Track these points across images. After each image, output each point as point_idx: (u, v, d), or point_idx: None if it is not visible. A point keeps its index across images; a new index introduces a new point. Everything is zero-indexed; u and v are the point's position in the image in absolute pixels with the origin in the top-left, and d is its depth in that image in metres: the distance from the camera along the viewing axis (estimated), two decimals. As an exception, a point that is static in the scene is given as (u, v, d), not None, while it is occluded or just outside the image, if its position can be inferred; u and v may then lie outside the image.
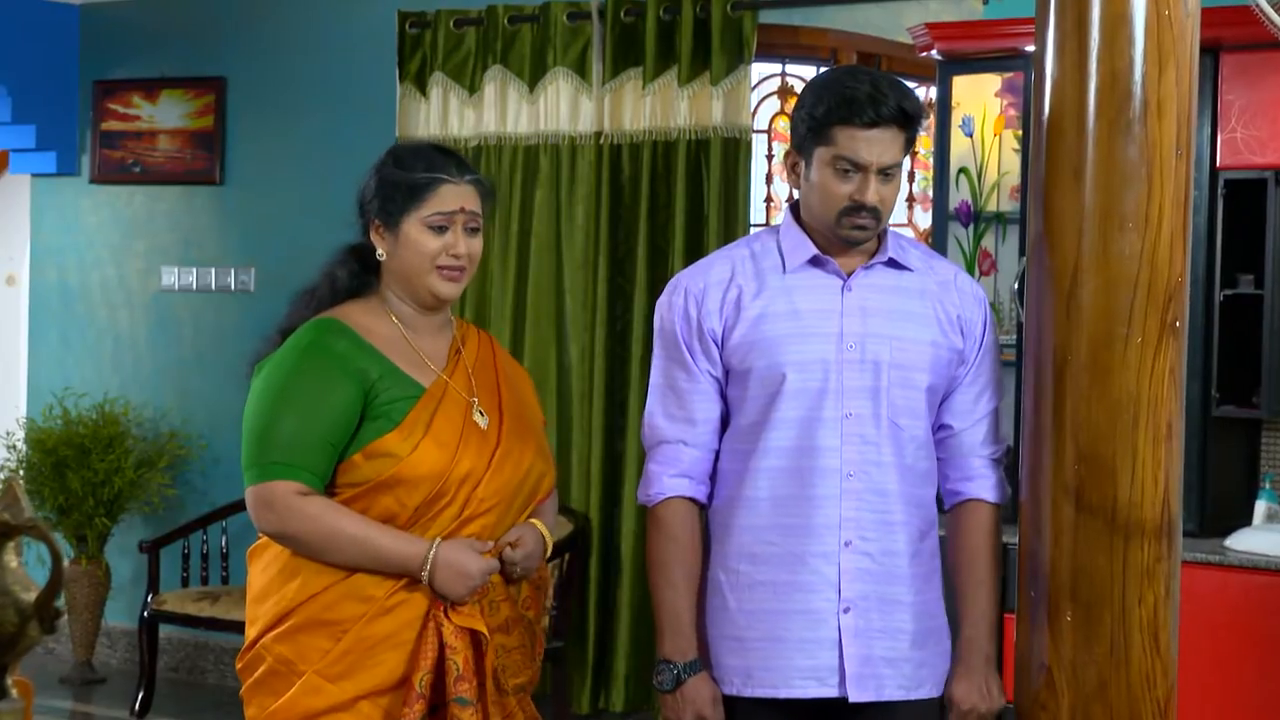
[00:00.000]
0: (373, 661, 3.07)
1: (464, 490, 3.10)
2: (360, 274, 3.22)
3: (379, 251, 3.18)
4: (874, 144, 3.00)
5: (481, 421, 3.17)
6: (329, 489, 3.10)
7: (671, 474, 3.16)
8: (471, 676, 3.05)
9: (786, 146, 3.17)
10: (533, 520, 3.23)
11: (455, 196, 3.16)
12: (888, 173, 3.03)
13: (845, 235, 3.06)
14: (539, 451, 3.25)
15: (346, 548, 3.05)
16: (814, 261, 3.11)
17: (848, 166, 3.02)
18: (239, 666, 3.19)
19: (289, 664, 3.08)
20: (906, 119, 3.03)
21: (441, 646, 3.05)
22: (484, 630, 3.07)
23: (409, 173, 3.15)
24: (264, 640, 3.11)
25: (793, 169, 3.13)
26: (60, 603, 7.25)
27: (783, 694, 3.08)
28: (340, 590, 3.07)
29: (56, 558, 2.16)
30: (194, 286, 7.24)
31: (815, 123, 3.04)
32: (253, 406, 3.13)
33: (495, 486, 3.14)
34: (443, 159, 3.19)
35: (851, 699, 3.06)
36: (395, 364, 3.14)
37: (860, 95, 3.00)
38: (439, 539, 3.07)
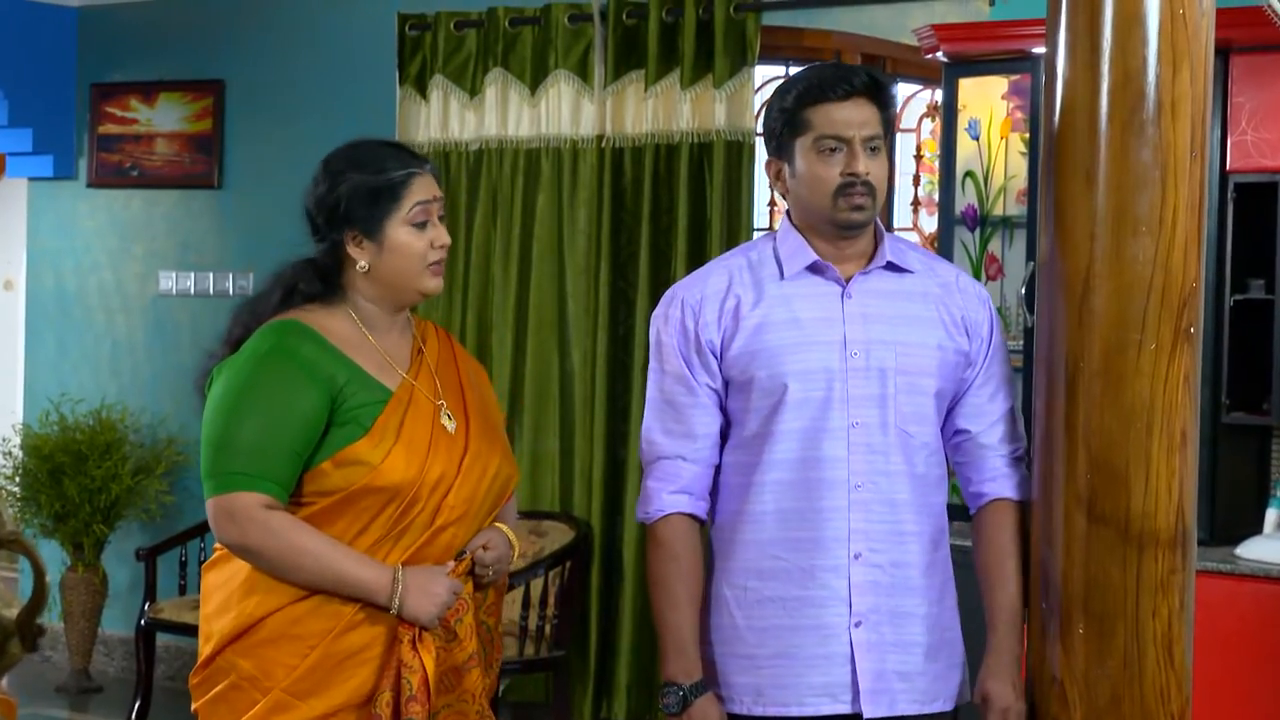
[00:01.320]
0: (341, 677, 2.99)
1: (435, 497, 3.03)
2: (322, 290, 3.09)
3: (360, 264, 3.06)
4: (851, 116, 2.97)
5: (449, 426, 3.09)
6: (296, 498, 3.01)
7: (670, 490, 3.08)
8: (425, 700, 2.97)
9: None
10: (498, 524, 3.17)
11: (426, 185, 3.08)
12: (872, 146, 2.99)
13: (844, 219, 3.00)
14: (505, 455, 3.18)
15: (309, 567, 2.96)
16: (812, 268, 3.05)
17: (831, 144, 2.97)
18: (194, 682, 3.08)
19: (253, 679, 3.00)
20: (878, 89, 2.99)
21: (399, 665, 2.98)
22: (431, 670, 2.99)
23: (378, 174, 3.05)
24: (225, 654, 3.02)
25: (777, 176, 3.08)
26: (54, 614, 7.20)
27: (794, 712, 3.02)
28: (308, 605, 2.99)
29: (39, 573, 2.10)
30: (192, 291, 7.21)
31: (788, 115, 3.00)
32: (212, 413, 3.02)
33: (465, 493, 3.06)
34: (397, 152, 3.11)
35: (866, 715, 2.99)
36: (361, 367, 3.04)
37: (826, 75, 3.00)
38: (401, 565, 2.98)
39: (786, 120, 3.01)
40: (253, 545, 2.96)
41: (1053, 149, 2.69)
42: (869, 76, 2.99)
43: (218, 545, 3.10)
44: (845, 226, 3.01)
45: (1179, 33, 2.59)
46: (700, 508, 3.09)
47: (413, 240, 3.05)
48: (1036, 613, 2.75)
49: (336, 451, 2.99)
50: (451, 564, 3.04)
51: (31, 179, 7.60)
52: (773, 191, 6.32)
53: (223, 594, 3.05)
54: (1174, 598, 2.65)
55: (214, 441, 2.99)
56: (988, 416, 3.10)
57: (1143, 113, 2.60)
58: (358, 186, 3.05)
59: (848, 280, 3.04)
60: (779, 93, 3.04)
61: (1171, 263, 2.61)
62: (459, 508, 3.05)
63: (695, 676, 3.05)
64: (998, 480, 3.10)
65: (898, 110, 3.09)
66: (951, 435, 3.11)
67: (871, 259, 3.06)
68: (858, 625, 2.99)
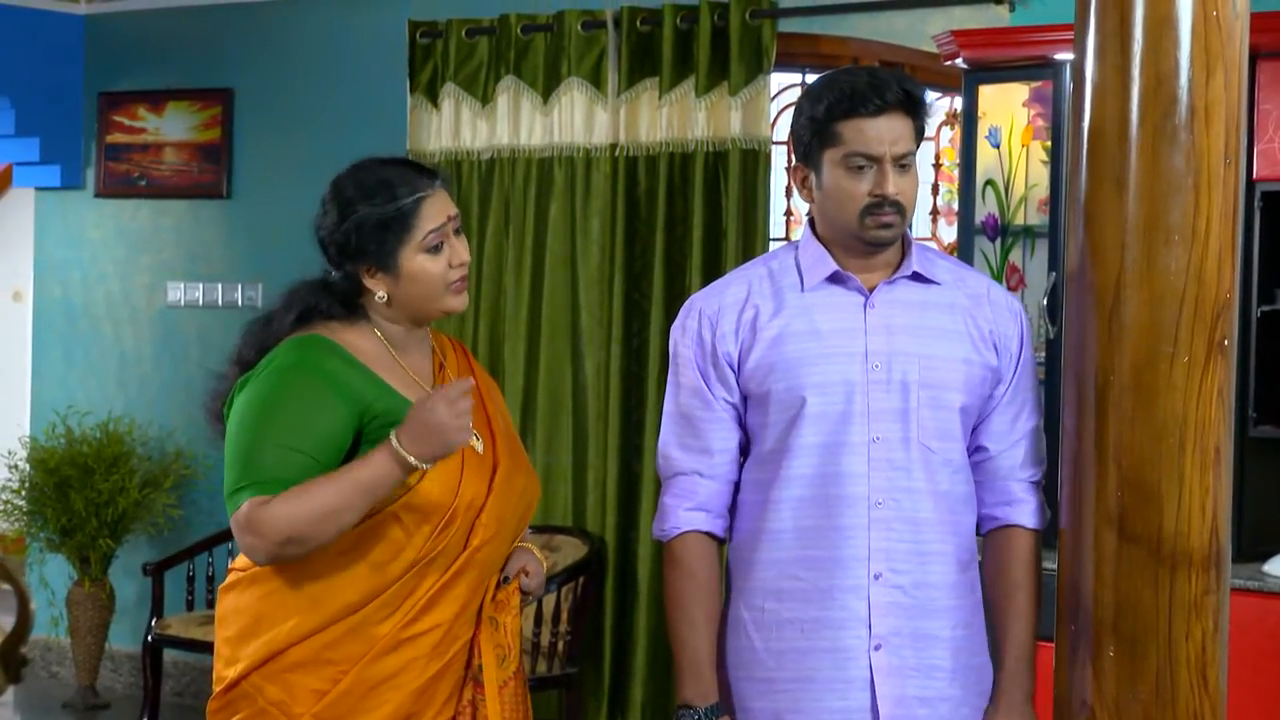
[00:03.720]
0: (374, 703, 2.92)
1: (469, 516, 2.95)
2: (343, 312, 3.01)
3: (379, 295, 2.98)
4: (883, 132, 2.87)
5: (478, 445, 3.01)
6: None
7: (687, 507, 3.00)
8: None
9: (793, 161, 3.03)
10: (525, 544, 3.11)
11: (437, 208, 2.98)
12: (903, 163, 2.89)
13: (871, 236, 2.91)
14: (529, 472, 3.11)
15: (339, 506, 2.83)
16: (834, 278, 2.96)
17: (861, 162, 2.88)
18: (213, 708, 3.00)
19: (280, 705, 2.92)
20: (911, 103, 2.89)
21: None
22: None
23: (386, 204, 2.95)
24: (252, 679, 2.93)
25: (803, 183, 2.98)
26: (61, 629, 7.15)
27: None
28: (341, 629, 2.91)
29: (23, 601, 2.01)
30: (200, 302, 7.15)
31: (818, 125, 2.90)
32: (235, 429, 2.93)
33: (497, 511, 2.99)
34: (404, 172, 3.01)
35: None
36: (388, 383, 2.97)
37: (859, 85, 2.88)
38: (392, 434, 2.84)
39: (816, 130, 2.91)
40: (282, 540, 2.85)
41: (1081, 155, 2.60)
42: (902, 90, 2.88)
43: (233, 566, 3.03)
44: (872, 244, 2.93)
45: (1212, 35, 2.50)
46: (718, 525, 3.01)
47: (430, 265, 2.97)
48: (1065, 635, 2.65)
49: None
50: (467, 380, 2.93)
51: (39, 189, 7.56)
52: (789, 200, 6.29)
53: (248, 618, 2.97)
54: (1208, 619, 2.56)
55: (238, 458, 2.91)
56: (1010, 436, 3.02)
57: (1175, 118, 2.51)
58: (365, 219, 2.95)
59: (871, 290, 2.96)
60: (809, 98, 2.94)
61: (1205, 273, 2.52)
62: (492, 526, 2.98)
63: (711, 699, 2.97)
64: (1013, 506, 3.03)
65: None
66: (971, 453, 3.02)
67: (897, 269, 2.98)
68: (877, 648, 2.91)
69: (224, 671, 2.99)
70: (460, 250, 3.00)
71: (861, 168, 2.88)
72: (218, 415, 3.02)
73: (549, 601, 5.81)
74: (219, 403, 3.02)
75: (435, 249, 2.97)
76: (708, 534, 3.00)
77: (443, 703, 3.00)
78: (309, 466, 2.88)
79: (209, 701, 3.03)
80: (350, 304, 3.02)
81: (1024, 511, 3.02)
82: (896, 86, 2.88)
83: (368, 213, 2.95)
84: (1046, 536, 3.07)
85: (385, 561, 2.92)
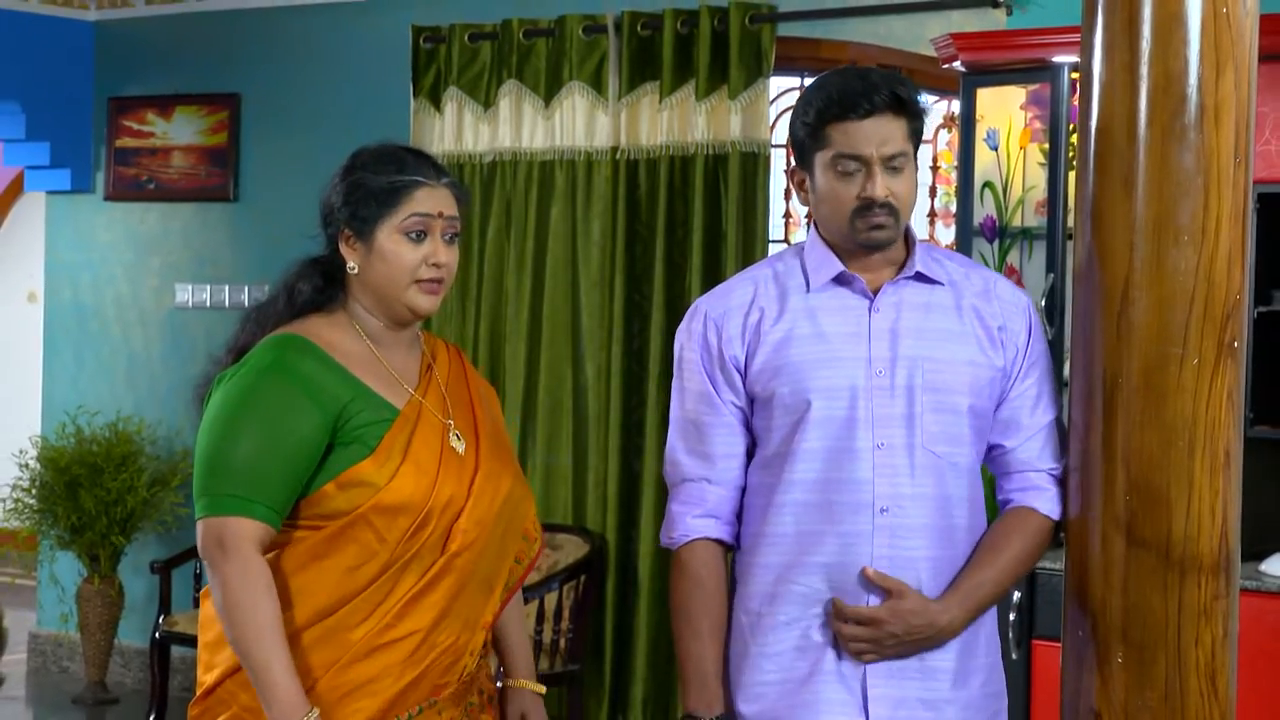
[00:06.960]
0: (348, 710, 2.85)
1: (445, 520, 2.88)
2: (324, 288, 2.97)
3: (349, 264, 2.93)
4: (871, 134, 2.82)
5: (459, 446, 2.94)
6: (295, 523, 2.87)
7: (695, 514, 2.95)
8: None
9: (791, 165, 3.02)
10: (527, 686, 3.14)
11: (433, 200, 2.93)
12: (894, 165, 2.84)
13: (863, 239, 2.87)
14: (517, 476, 3.04)
15: (246, 634, 2.78)
16: (840, 279, 2.92)
17: (850, 165, 2.83)
18: (193, 714, 2.95)
19: (254, 711, 2.84)
20: (902, 104, 2.84)
21: None
22: None
23: (384, 175, 2.93)
24: (226, 685, 2.88)
25: (800, 186, 2.95)
26: (71, 625, 7.16)
27: None
28: (313, 634, 2.85)
29: (-2, 616, 1.98)
30: (208, 304, 7.19)
31: (810, 128, 2.87)
32: (207, 429, 2.87)
33: (476, 516, 2.91)
34: (415, 160, 2.97)
35: None
36: (366, 384, 2.90)
37: (848, 88, 2.84)
38: (316, 710, 2.80)
39: (809, 133, 2.88)
40: (224, 576, 2.81)
41: (1089, 155, 2.58)
42: (892, 92, 2.84)
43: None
44: (866, 246, 2.89)
45: (1222, 33, 2.47)
46: (727, 532, 2.96)
47: (402, 250, 2.91)
48: (1072, 641, 2.61)
49: (340, 473, 2.85)
50: None
51: (49, 193, 7.59)
52: (788, 203, 6.31)
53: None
54: (1217, 625, 2.54)
55: (208, 459, 2.85)
56: (1025, 431, 2.93)
57: (1184, 117, 2.48)
58: (358, 184, 2.93)
59: (877, 291, 2.92)
60: (803, 100, 2.91)
61: (1214, 273, 2.49)
62: (472, 531, 2.91)
63: (717, 710, 2.91)
64: (1027, 492, 2.93)
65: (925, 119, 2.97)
66: (988, 450, 2.96)
67: (901, 269, 2.93)
68: None
69: (203, 677, 2.94)
70: (442, 252, 2.93)
71: (851, 171, 2.85)
72: (201, 400, 2.97)
73: (551, 599, 5.83)
74: (206, 387, 2.97)
75: (415, 236, 2.91)
76: (716, 541, 2.96)
77: (415, 712, 2.92)
78: (280, 476, 2.82)
79: (189, 706, 2.98)
80: (333, 278, 2.97)
81: (1041, 498, 2.91)
82: (886, 89, 2.83)
83: (364, 178, 2.93)
84: (1053, 539, 3.06)
85: (358, 565, 2.85)
